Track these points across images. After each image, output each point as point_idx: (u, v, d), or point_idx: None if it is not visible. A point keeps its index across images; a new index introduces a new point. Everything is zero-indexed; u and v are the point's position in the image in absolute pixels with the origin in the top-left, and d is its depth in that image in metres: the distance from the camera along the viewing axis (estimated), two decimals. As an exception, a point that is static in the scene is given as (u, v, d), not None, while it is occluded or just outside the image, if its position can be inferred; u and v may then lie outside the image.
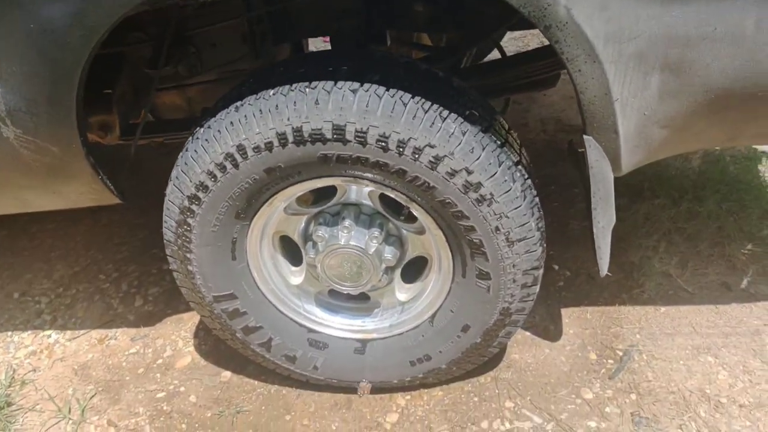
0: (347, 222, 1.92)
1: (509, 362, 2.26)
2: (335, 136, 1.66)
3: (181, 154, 1.86)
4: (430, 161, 1.67)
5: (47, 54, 1.58)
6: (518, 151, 1.82)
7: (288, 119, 1.67)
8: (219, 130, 1.73)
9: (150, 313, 2.74)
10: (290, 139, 1.68)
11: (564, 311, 2.43)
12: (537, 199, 1.82)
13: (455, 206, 1.73)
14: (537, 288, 1.92)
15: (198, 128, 1.82)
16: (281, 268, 2.10)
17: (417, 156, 1.67)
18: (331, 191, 1.92)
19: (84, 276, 2.96)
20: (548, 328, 2.38)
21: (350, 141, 1.67)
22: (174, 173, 1.85)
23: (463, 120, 1.69)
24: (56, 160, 1.84)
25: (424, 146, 1.66)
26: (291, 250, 2.12)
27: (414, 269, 2.08)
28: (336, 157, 1.70)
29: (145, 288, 2.87)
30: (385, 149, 1.67)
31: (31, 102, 1.69)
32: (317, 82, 1.69)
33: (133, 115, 2.44)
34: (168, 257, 2.01)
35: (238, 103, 1.73)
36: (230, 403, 2.27)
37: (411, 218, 1.92)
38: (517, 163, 1.77)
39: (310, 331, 2.13)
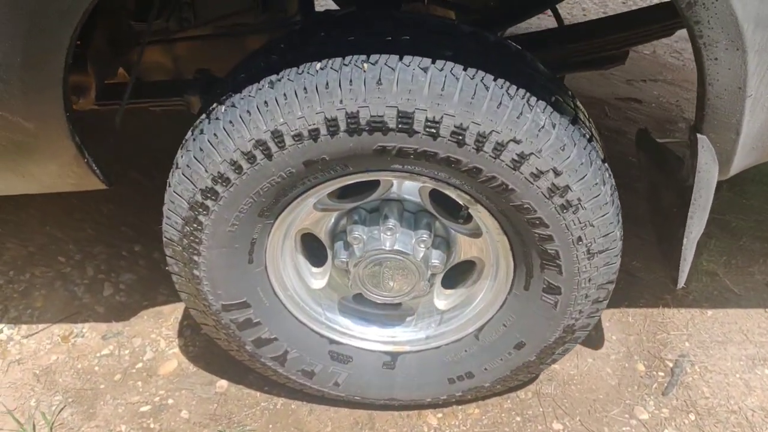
0: (391, 222, 1.63)
1: (550, 374, 2.05)
2: (400, 125, 1.36)
3: (191, 134, 1.52)
4: (513, 160, 1.39)
5: None
6: (601, 145, 1.56)
7: (341, 102, 1.35)
8: (249, 111, 1.40)
9: (123, 305, 2.39)
10: (342, 126, 1.37)
11: (604, 314, 2.22)
12: (619, 201, 1.58)
13: (534, 212, 1.47)
14: (606, 302, 1.69)
15: (216, 105, 1.47)
16: (301, 269, 1.80)
17: (498, 153, 1.38)
18: (370, 183, 1.62)
19: (41, 257, 2.57)
20: (589, 334, 2.16)
21: (418, 132, 1.37)
22: (183, 159, 1.51)
23: (552, 109, 1.41)
24: (29, 138, 1.47)
25: (508, 141, 1.37)
26: (310, 248, 1.82)
27: (456, 272, 1.82)
28: (397, 151, 1.40)
29: (116, 274, 2.51)
30: (461, 143, 1.38)
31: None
32: (377, 56, 1.37)
33: (109, 75, 2.05)
34: (167, 258, 1.68)
35: (274, 78, 1.40)
36: (230, 420, 1.99)
37: (467, 218, 1.65)
38: (604, 161, 1.51)
39: (332, 342, 1.85)
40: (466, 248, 1.73)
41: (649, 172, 1.87)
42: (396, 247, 1.63)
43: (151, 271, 2.49)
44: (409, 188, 1.64)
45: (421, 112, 1.35)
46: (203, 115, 1.50)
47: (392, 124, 1.36)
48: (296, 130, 1.38)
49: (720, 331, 2.18)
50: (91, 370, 2.17)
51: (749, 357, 2.09)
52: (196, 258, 1.61)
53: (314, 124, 1.37)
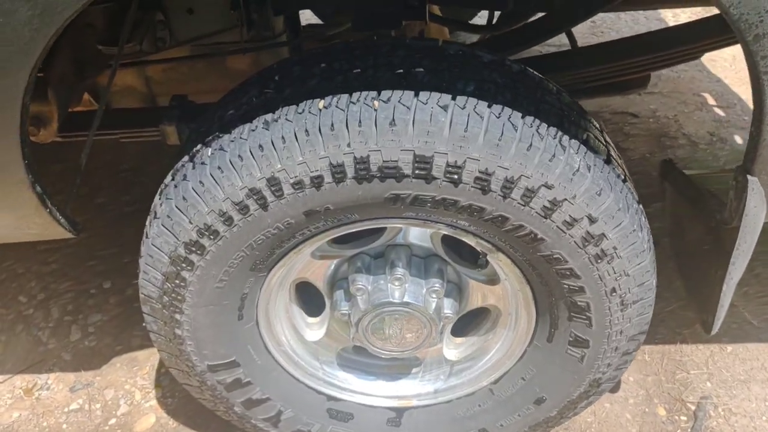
0: (399, 270, 1.46)
1: (566, 423, 1.89)
2: (417, 171, 1.19)
3: (172, 180, 1.33)
4: (545, 207, 1.23)
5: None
6: (632, 185, 1.41)
7: (349, 145, 1.18)
8: (240, 155, 1.22)
9: (92, 351, 2.19)
10: (350, 173, 1.20)
11: (618, 351, 2.07)
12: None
13: (565, 263, 1.31)
14: (635, 353, 1.55)
15: (201, 147, 1.29)
16: (296, 320, 1.62)
17: (527, 200, 1.22)
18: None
19: (-1, 298, 2.36)
20: (605, 375, 2.02)
21: (437, 178, 1.20)
22: (162, 208, 1.32)
23: (586, 149, 1.25)
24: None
25: (539, 187, 1.21)
26: (305, 295, 1.64)
27: (467, 318, 1.66)
28: (412, 199, 1.23)
29: (84, 315, 2.30)
30: (485, 190, 1.21)
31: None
32: (390, 92, 1.20)
33: (73, 102, 1.85)
34: (145, 315, 1.49)
35: (269, 117, 1.22)
36: (218, 484, 1.80)
37: (482, 263, 1.49)
38: (639, 202, 1.36)
39: (331, 399, 1.67)
40: (480, 295, 1.57)
41: (673, 205, 1.73)
42: (406, 299, 1.46)
43: (124, 310, 2.30)
44: (419, 233, 1.47)
45: (441, 156, 1.18)
46: (186, 158, 1.32)
47: (408, 170, 1.19)
48: (296, 177, 1.20)
49: (741, 368, 2.05)
50: (59, 429, 1.96)
51: (775, 397, 1.97)
52: (178, 317, 1.42)
53: (317, 171, 1.20)
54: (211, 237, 1.28)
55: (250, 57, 1.92)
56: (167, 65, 1.92)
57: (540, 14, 1.83)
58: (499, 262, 1.41)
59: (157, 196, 1.37)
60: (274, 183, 1.21)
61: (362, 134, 1.17)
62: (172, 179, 1.33)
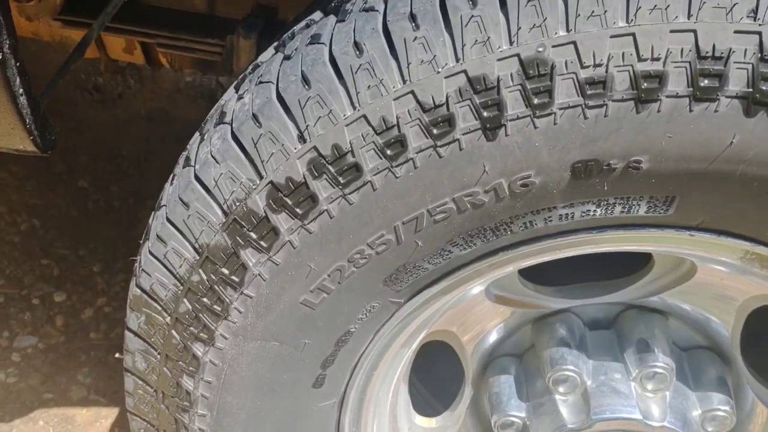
0: (660, 362, 0.75)
1: None
2: None
3: (275, 52, 0.65)
4: None
5: None
6: None
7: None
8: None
9: (9, 392, 1.58)
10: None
11: None
12: None
13: None
14: None
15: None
16: (399, 418, 0.89)
17: None
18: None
19: None
20: None
21: None
22: (244, 101, 0.65)
23: None
24: None
25: None
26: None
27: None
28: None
29: (11, 334, 1.73)
30: None
31: None
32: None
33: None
34: (128, 348, 0.78)
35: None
36: None
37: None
38: None
39: None
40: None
41: None
42: (667, 423, 0.74)
43: (71, 340, 1.64)
44: (717, 289, 0.77)
45: None
46: (318, 14, 0.65)
47: None
48: (599, 65, 0.52)
49: None
50: None
51: None
52: (199, 350, 0.70)
53: (659, 58, 0.52)
54: (342, 181, 0.59)
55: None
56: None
57: None
58: None
59: (231, 89, 0.68)
60: (536, 68, 0.53)
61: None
62: (277, 50, 0.65)
